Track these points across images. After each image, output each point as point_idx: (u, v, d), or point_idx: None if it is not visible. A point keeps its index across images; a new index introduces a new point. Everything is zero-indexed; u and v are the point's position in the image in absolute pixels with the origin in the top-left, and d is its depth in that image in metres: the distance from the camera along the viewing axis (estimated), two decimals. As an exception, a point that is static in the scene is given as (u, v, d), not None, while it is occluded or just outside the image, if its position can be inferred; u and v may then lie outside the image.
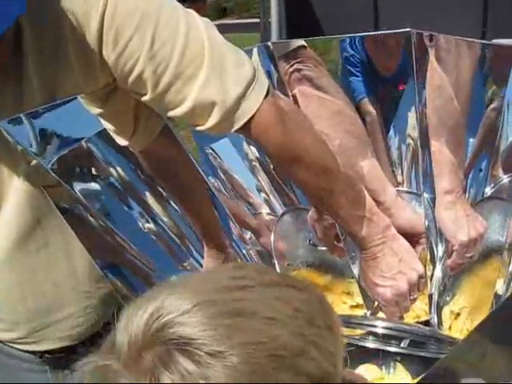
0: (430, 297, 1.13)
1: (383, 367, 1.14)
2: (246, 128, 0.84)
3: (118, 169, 1.16)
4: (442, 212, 1.04)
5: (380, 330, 0.98)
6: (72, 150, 1.09)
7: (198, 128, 0.86)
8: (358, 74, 1.14)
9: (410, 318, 1.12)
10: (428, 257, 1.11)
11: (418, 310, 1.18)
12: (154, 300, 0.45)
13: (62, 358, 1.12)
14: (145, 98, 0.83)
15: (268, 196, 1.38)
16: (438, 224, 1.06)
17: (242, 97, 0.81)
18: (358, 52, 1.12)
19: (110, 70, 0.81)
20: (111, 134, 0.99)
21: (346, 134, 1.03)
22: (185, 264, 1.27)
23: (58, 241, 0.97)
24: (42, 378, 1.14)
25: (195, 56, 0.80)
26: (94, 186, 1.17)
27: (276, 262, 1.21)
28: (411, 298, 0.97)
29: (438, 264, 1.14)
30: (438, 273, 1.14)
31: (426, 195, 1.10)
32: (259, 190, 1.39)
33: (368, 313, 1.05)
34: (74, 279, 1.03)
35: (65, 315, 0.94)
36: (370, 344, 1.04)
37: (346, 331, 1.10)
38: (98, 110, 0.93)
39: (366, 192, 0.94)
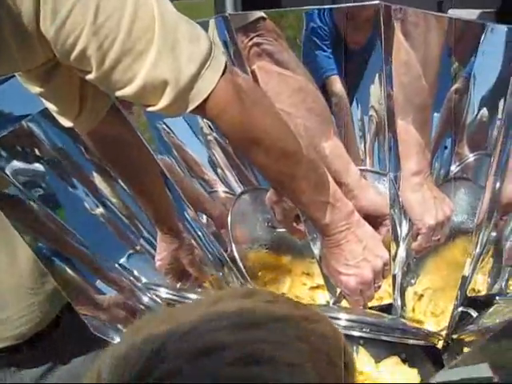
0: (394, 277, 1.11)
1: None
2: (201, 108, 0.77)
3: (63, 149, 1.08)
4: (408, 194, 1.00)
5: (342, 323, 0.94)
6: (12, 131, 1.01)
7: (150, 109, 0.78)
8: (326, 47, 1.08)
9: (373, 300, 1.10)
10: (392, 236, 1.07)
11: (382, 292, 1.15)
12: (152, 342, 0.37)
13: (5, 358, 1.08)
14: (89, 77, 0.75)
15: (224, 173, 1.32)
16: (404, 206, 1.02)
17: (196, 75, 0.74)
18: (326, 24, 1.07)
19: (49, 45, 0.72)
20: (54, 114, 0.90)
21: (309, 113, 0.97)
22: (136, 247, 1.21)
23: None
24: None
25: (145, 30, 0.71)
26: (38, 167, 1.09)
27: (233, 245, 1.15)
28: (375, 285, 0.94)
29: (401, 244, 1.11)
30: (402, 253, 1.11)
31: (390, 174, 1.06)
32: (215, 166, 1.33)
33: (331, 301, 1.01)
34: (16, 275, 0.96)
35: (8, 315, 0.87)
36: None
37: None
38: (39, 89, 0.84)
39: (329, 176, 0.89)
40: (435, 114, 1.05)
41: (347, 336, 1.01)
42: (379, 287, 0.95)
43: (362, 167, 1.10)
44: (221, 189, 1.35)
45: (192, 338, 0.36)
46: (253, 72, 0.95)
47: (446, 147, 1.08)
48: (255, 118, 0.79)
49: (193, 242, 1.13)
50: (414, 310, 1.14)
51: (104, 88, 0.77)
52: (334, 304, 1.01)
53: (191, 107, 0.76)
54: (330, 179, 0.88)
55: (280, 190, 0.91)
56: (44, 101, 0.88)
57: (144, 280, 1.20)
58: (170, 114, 0.81)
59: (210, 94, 0.75)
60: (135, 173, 1.04)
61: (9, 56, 0.73)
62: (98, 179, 1.16)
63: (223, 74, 0.76)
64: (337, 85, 1.13)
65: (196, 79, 0.74)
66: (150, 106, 0.77)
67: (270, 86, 0.94)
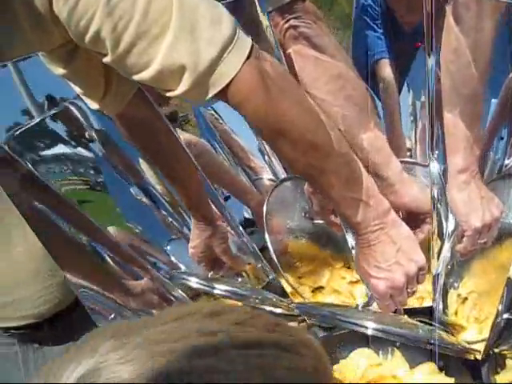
0: (436, 277, 1.03)
1: (380, 352, 1.06)
2: (222, 95, 0.72)
3: (106, 134, 1.07)
4: (454, 193, 0.92)
5: (370, 332, 0.88)
6: (56, 113, 1.01)
7: (169, 94, 0.74)
8: (377, 27, 1.01)
9: (412, 301, 1.04)
10: (436, 233, 1.00)
11: (422, 291, 1.09)
12: (91, 355, 0.33)
13: (28, 334, 1.10)
14: (106, 59, 0.71)
15: (271, 160, 1.28)
16: (449, 206, 0.94)
17: (217, 59, 0.69)
18: (378, 3, 0.99)
19: (64, 27, 0.69)
20: (81, 96, 0.88)
21: (347, 101, 0.91)
22: (178, 234, 1.20)
23: (14, 218, 0.89)
24: (9, 352, 1.14)
25: (161, 12, 0.67)
26: (82, 151, 1.09)
27: (266, 234, 1.11)
28: (409, 291, 0.87)
29: (446, 242, 1.03)
30: (447, 251, 1.04)
31: (436, 166, 0.98)
32: (263, 154, 1.29)
33: (360, 305, 0.96)
34: (32, 258, 0.96)
35: (26, 295, 0.87)
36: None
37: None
38: (62, 71, 0.82)
39: (364, 172, 0.82)
40: (493, 101, 0.96)
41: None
42: (413, 293, 0.88)
43: (407, 159, 1.03)
44: (266, 176, 1.31)
45: (134, 357, 0.32)
46: (288, 56, 0.89)
47: (502, 138, 0.99)
48: (282, 107, 0.74)
49: (229, 229, 1.10)
50: (456, 313, 1.07)
51: (121, 72, 0.74)
52: (363, 307, 0.95)
53: (212, 93, 0.71)
54: (365, 174, 0.82)
55: (309, 184, 0.86)
56: (69, 82, 0.85)
57: (183, 268, 1.19)
58: (190, 99, 0.77)
59: (232, 80, 0.70)
60: (165, 159, 1.01)
61: (24, 38, 0.70)
62: (143, 166, 1.15)
63: (248, 58, 0.71)
64: (386, 69, 1.06)
65: (217, 63, 0.69)
66: (169, 91, 0.73)
67: (305, 72, 0.88)
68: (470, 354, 0.93)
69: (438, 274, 1.04)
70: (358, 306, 0.97)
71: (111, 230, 1.07)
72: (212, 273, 1.15)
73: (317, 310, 0.95)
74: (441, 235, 1.02)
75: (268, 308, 1.09)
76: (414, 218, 0.96)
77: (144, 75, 0.71)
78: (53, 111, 1.04)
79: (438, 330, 0.94)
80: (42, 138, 1.03)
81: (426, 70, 0.87)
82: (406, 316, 1.00)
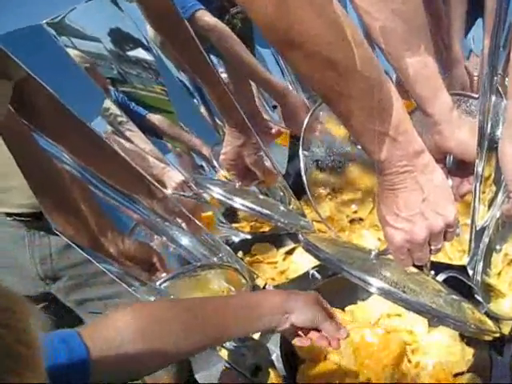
0: (482, 230, 0.89)
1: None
2: None
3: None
4: (506, 144, 0.76)
5: (373, 290, 0.78)
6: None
7: None
8: None
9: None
10: (492, 177, 0.85)
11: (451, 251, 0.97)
12: None
13: (32, 222, 1.13)
14: None
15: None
16: (499, 158, 0.79)
17: None
18: None
19: None
20: None
21: (394, 16, 0.75)
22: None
23: None
24: (17, 234, 1.17)
25: None
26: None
27: (301, 151, 1.01)
28: (432, 248, 0.75)
29: (501, 192, 0.88)
30: (499, 203, 0.89)
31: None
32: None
33: (373, 253, 0.84)
34: None
35: (24, 183, 0.85)
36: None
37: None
38: None
39: (397, 102, 0.68)
40: None
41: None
42: (437, 250, 0.76)
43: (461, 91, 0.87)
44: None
45: None
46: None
47: None
48: (295, 14, 0.61)
49: (259, 141, 1.01)
50: (499, 275, 0.94)
51: None
52: (375, 256, 0.84)
53: None
54: (398, 106, 0.68)
55: (329, 107, 0.73)
56: None
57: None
58: None
59: None
60: (195, 57, 0.92)
61: None
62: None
63: None
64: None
65: None
66: None
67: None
68: (494, 334, 0.81)
69: (486, 227, 0.90)
70: (370, 251, 0.86)
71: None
72: (241, 184, 1.08)
73: (323, 254, 0.86)
74: (497, 181, 0.87)
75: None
76: (460, 167, 0.82)
77: None
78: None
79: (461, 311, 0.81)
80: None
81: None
82: (432, 273, 0.88)
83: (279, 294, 0.80)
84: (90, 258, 0.89)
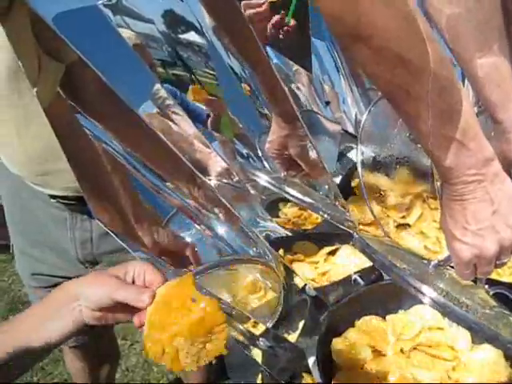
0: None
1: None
2: None
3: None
4: None
5: (426, 301, 0.73)
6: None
7: None
8: None
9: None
10: None
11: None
12: None
13: (75, 205, 1.11)
14: None
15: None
16: None
17: None
18: None
19: None
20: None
21: (468, 13, 0.70)
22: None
23: None
24: (61, 215, 1.17)
25: None
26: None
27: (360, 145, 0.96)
28: (498, 262, 0.70)
29: None
30: None
31: None
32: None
33: (432, 263, 0.79)
34: None
35: (67, 167, 0.83)
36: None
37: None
38: None
39: (468, 105, 0.64)
40: None
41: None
42: (503, 264, 0.71)
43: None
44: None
45: None
46: None
47: None
48: (363, 5, 0.57)
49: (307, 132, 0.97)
50: None
51: None
52: (434, 266, 0.80)
53: None
54: (468, 109, 0.64)
55: (393, 107, 0.69)
56: None
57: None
58: None
59: None
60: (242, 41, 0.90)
61: None
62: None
63: None
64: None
65: None
66: None
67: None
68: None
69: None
70: (429, 262, 0.81)
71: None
72: (285, 174, 1.04)
73: (377, 255, 0.82)
74: None
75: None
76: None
77: None
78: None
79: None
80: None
81: None
82: (486, 287, 0.83)
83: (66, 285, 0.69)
84: (125, 246, 0.88)
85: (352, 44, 0.61)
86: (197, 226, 1.03)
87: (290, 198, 1.04)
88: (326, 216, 1.00)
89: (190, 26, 1.00)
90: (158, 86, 0.98)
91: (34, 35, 0.75)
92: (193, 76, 1.03)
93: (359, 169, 0.99)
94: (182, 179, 0.97)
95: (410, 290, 0.74)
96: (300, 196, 1.02)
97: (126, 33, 0.90)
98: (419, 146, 0.98)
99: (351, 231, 0.94)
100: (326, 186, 1.06)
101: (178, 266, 0.96)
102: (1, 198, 1.33)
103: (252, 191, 1.08)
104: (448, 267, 0.81)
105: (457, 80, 0.63)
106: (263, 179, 1.03)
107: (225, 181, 1.04)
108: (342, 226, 0.98)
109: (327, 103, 1.17)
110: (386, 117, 0.97)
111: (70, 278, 1.29)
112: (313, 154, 1.01)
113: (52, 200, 1.13)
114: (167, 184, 0.97)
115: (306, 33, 1.07)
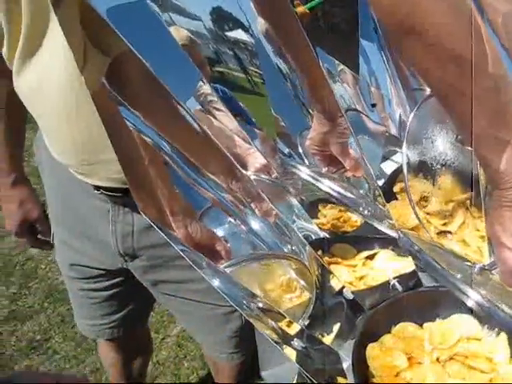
0: None
1: (486, 327, 0.90)
2: None
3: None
4: None
5: (469, 303, 0.72)
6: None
7: None
8: None
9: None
10: None
11: None
12: None
13: (118, 197, 1.10)
14: None
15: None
16: None
17: None
18: None
19: None
20: None
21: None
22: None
23: None
24: (103, 207, 1.18)
25: None
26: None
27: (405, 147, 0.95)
28: None
29: None
30: None
31: None
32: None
33: (478, 266, 0.78)
34: None
35: (112, 158, 0.84)
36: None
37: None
38: None
39: None
40: None
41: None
42: None
43: None
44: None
45: None
46: None
47: None
48: None
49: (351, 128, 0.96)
50: None
51: None
52: (479, 271, 0.78)
53: None
54: None
55: (444, 107, 0.67)
56: None
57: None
58: None
59: None
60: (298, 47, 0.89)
61: None
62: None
63: None
64: None
65: None
66: None
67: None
68: None
69: None
70: (474, 265, 0.79)
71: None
72: (326, 170, 1.04)
73: (420, 253, 0.80)
74: None
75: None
76: None
77: None
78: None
79: None
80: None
81: None
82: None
83: None
84: (168, 240, 0.88)
85: (403, 37, 0.60)
86: (231, 220, 1.03)
87: (330, 192, 1.02)
88: (366, 212, 0.99)
89: (237, 24, 1.00)
90: (200, 83, 0.98)
91: (82, 27, 0.77)
92: (236, 73, 1.03)
93: (404, 170, 0.97)
94: (220, 171, 0.97)
95: (454, 292, 0.73)
96: (341, 190, 1.00)
97: (174, 31, 0.90)
98: (465, 150, 0.97)
99: (393, 231, 0.93)
100: (367, 185, 1.05)
101: (213, 261, 0.96)
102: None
103: (291, 189, 1.07)
104: (492, 272, 0.80)
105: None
106: (303, 172, 1.02)
107: (263, 176, 1.04)
108: (381, 228, 0.97)
109: (373, 105, 1.16)
110: (432, 118, 0.95)
111: (107, 271, 1.32)
112: (354, 152, 1.00)
113: (95, 191, 1.14)
114: (204, 177, 0.98)
115: (353, 32, 1.06)
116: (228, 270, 0.93)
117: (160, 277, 1.27)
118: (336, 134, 0.98)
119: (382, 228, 0.98)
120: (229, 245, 0.98)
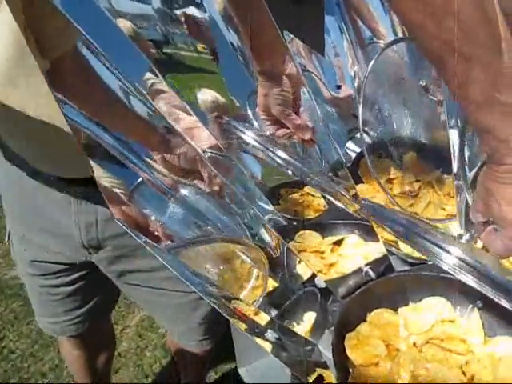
0: None
1: (458, 309, 0.90)
2: None
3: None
4: None
5: (451, 261, 0.70)
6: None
7: None
8: None
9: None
10: None
11: None
12: None
13: (80, 188, 1.10)
14: None
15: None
16: None
17: None
18: None
19: None
20: None
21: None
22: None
23: None
24: (65, 198, 1.13)
25: None
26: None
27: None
28: None
29: None
30: None
31: None
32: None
33: (464, 237, 0.76)
34: None
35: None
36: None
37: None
38: None
39: None
40: None
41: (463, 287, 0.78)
42: None
43: None
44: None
45: None
46: None
47: None
48: None
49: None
50: None
51: None
52: (469, 238, 0.76)
53: None
54: None
55: (438, 71, 0.62)
56: None
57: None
58: None
59: None
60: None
61: None
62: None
63: None
64: None
65: None
66: None
67: None
68: None
69: None
70: (460, 236, 0.76)
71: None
72: (272, 133, 1.00)
73: (392, 215, 0.78)
74: None
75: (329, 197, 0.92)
76: None
77: None
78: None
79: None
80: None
81: None
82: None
83: None
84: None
85: None
86: (167, 200, 0.98)
87: (277, 161, 0.97)
88: (323, 184, 0.95)
89: (187, 1, 0.96)
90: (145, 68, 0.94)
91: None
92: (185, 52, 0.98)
93: (364, 137, 0.94)
94: (158, 147, 0.93)
95: (433, 250, 0.71)
96: (290, 160, 0.96)
97: (120, 22, 0.86)
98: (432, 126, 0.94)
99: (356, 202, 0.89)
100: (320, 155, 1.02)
101: (156, 241, 0.92)
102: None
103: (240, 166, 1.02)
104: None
105: None
106: (249, 136, 0.97)
107: (213, 151, 0.99)
108: (341, 204, 0.93)
109: (338, 87, 1.13)
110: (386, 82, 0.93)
111: (70, 265, 1.27)
112: (301, 118, 0.96)
113: (56, 184, 1.09)
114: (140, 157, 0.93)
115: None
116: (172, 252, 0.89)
117: (127, 267, 1.24)
118: (275, 96, 0.94)
119: (343, 205, 0.95)
120: (169, 225, 0.94)
